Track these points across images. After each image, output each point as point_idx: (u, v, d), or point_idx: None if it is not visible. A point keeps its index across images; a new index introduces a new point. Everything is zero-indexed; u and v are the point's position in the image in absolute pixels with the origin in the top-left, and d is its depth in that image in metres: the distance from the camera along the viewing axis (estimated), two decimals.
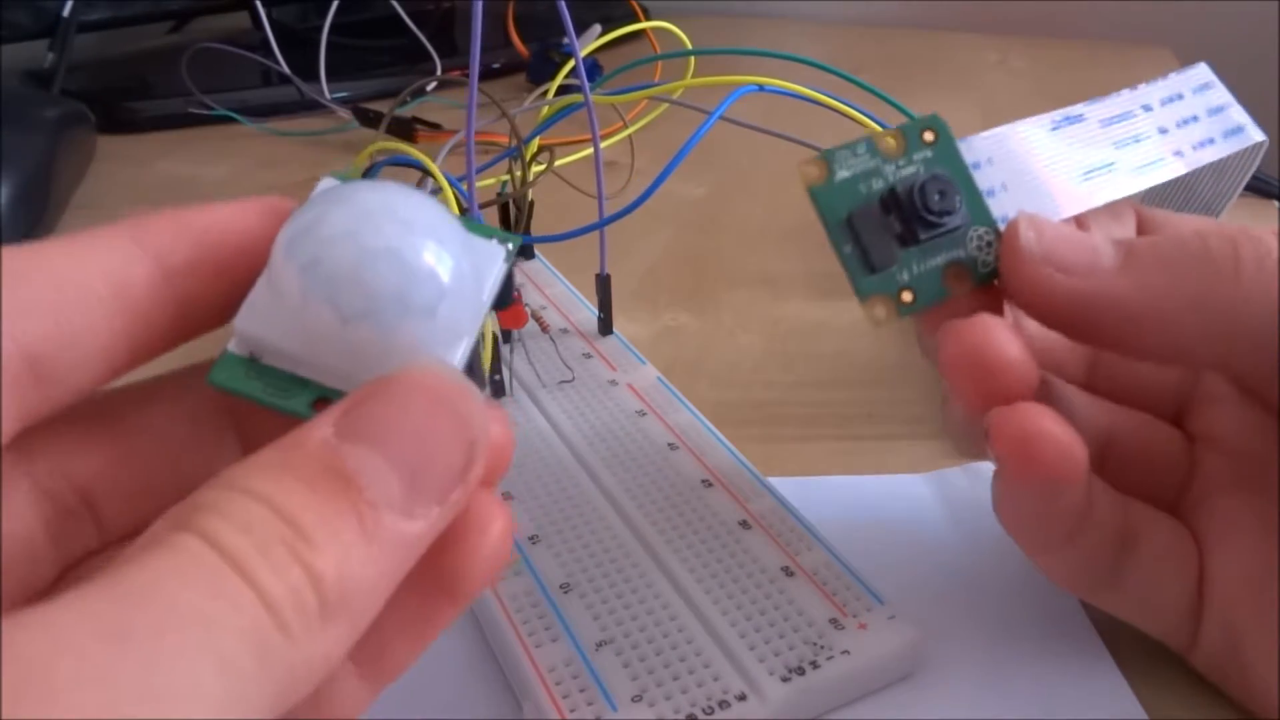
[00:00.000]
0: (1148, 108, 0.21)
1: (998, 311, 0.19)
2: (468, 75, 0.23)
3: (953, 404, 0.19)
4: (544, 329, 0.31)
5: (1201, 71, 0.21)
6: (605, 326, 0.31)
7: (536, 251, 0.36)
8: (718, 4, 0.75)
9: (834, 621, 0.20)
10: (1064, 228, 0.18)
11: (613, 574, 0.22)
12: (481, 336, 0.19)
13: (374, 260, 0.14)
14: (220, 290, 0.15)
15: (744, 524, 0.23)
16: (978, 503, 0.25)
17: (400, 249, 0.14)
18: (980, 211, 0.19)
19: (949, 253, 0.19)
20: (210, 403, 0.16)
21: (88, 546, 0.15)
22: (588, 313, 0.32)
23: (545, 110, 0.32)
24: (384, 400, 0.13)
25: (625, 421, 0.27)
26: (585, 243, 0.29)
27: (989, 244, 0.19)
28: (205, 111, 0.53)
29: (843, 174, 0.19)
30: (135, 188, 0.47)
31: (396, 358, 0.14)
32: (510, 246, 0.16)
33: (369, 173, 0.27)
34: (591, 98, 0.27)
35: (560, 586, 0.22)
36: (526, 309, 0.30)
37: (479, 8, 0.21)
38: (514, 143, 0.29)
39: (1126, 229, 0.21)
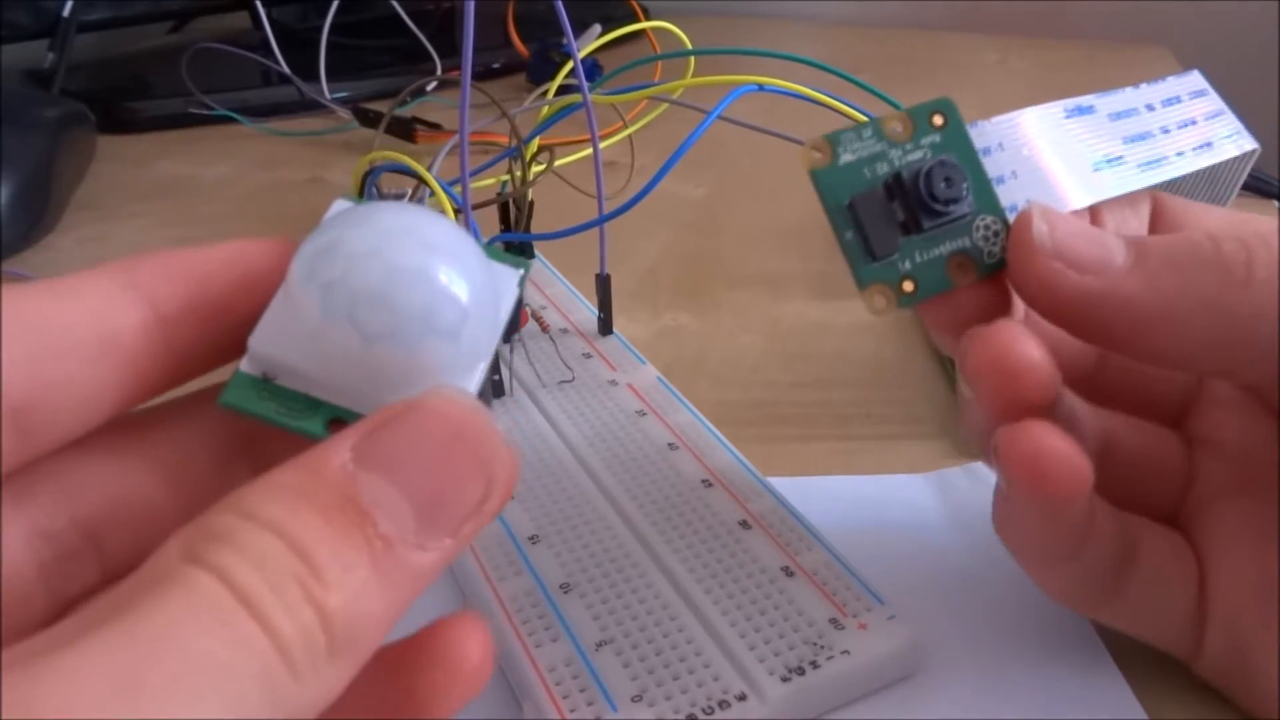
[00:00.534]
0: (1150, 107, 0.20)
1: (1003, 303, 0.19)
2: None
3: (970, 408, 0.19)
4: (544, 329, 0.31)
5: (1195, 79, 0.21)
6: (605, 326, 0.31)
7: (537, 251, 0.36)
8: (718, 4, 0.75)
9: (834, 621, 0.20)
10: (1077, 222, 0.18)
11: (613, 574, 0.22)
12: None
13: (401, 279, 0.13)
14: (214, 334, 0.15)
15: (744, 524, 0.23)
16: (978, 503, 0.25)
17: (427, 269, 0.14)
18: (988, 200, 0.18)
19: (953, 242, 0.18)
20: (220, 428, 0.16)
21: (86, 585, 0.15)
22: (588, 313, 0.32)
23: (545, 110, 0.32)
24: (404, 428, 0.13)
25: (625, 421, 0.27)
26: (585, 243, 0.29)
27: (996, 234, 0.18)
28: (205, 111, 0.54)
29: (847, 157, 0.18)
30: (135, 188, 0.47)
31: (416, 379, 0.14)
32: (523, 272, 0.16)
33: (367, 178, 0.27)
34: (591, 98, 0.27)
35: (560, 586, 0.22)
36: (526, 309, 0.30)
37: (470, 8, 0.21)
38: (514, 143, 0.29)
39: (1141, 218, 0.21)
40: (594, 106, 0.27)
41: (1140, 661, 0.21)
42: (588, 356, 0.30)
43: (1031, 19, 0.70)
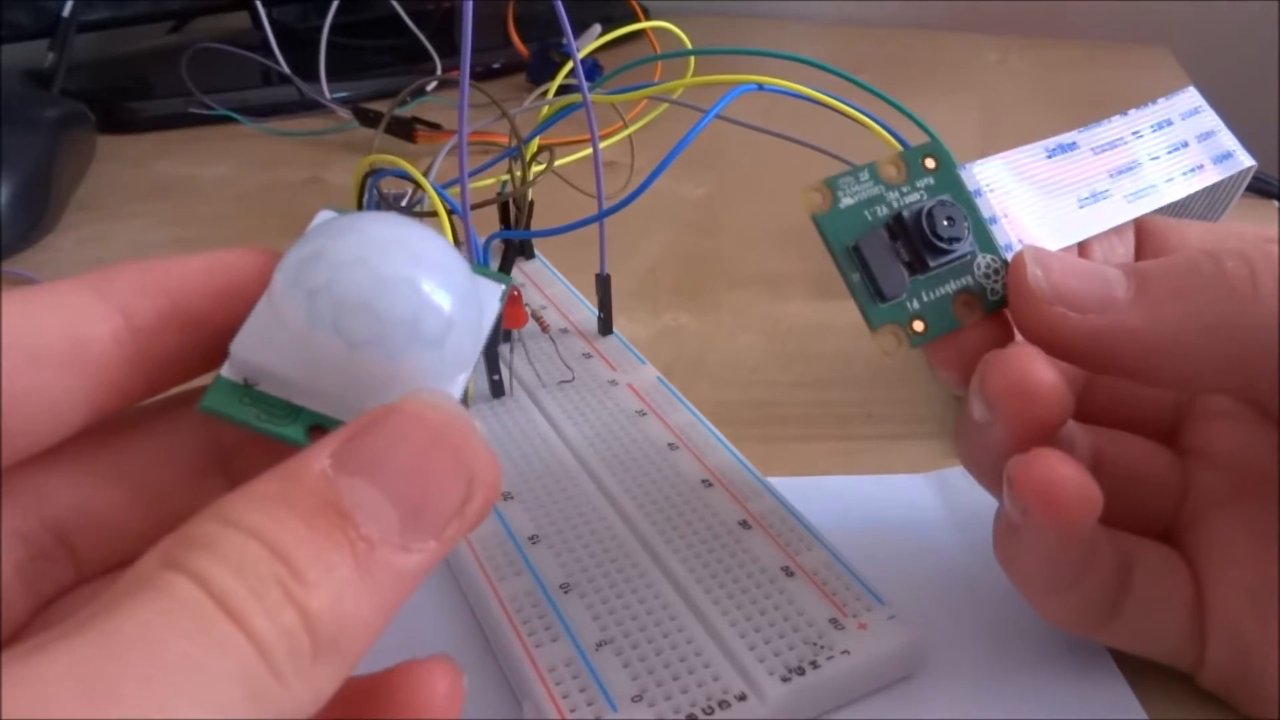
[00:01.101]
0: (1138, 134, 0.21)
1: (1005, 336, 0.19)
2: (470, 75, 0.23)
3: (976, 437, 0.19)
4: (544, 329, 0.31)
5: (1190, 96, 0.21)
6: (605, 326, 0.31)
7: (537, 251, 0.36)
8: (718, 4, 0.75)
9: (834, 621, 0.20)
10: (1070, 260, 0.18)
11: (613, 574, 0.22)
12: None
13: (387, 288, 0.14)
14: (192, 343, 0.15)
15: (744, 524, 0.23)
16: (978, 503, 0.25)
17: (413, 278, 0.14)
18: (986, 239, 0.19)
19: (958, 280, 0.19)
20: (195, 435, 0.16)
21: (62, 585, 0.15)
22: (588, 313, 0.32)
23: (545, 110, 0.32)
24: (384, 431, 0.13)
25: (625, 421, 0.27)
26: (585, 243, 0.29)
27: (996, 272, 0.19)
28: (205, 111, 0.53)
29: (847, 201, 0.18)
30: (135, 188, 0.47)
31: (398, 387, 0.14)
32: (505, 287, 0.16)
33: (368, 180, 0.27)
34: (591, 97, 0.27)
35: (560, 586, 0.22)
36: (526, 309, 0.30)
37: (469, 8, 0.21)
38: (514, 143, 0.29)
39: (1127, 243, 0.21)
40: (594, 106, 0.27)
41: (1140, 661, 0.21)
42: (588, 356, 0.30)
43: (1031, 19, 0.70)
